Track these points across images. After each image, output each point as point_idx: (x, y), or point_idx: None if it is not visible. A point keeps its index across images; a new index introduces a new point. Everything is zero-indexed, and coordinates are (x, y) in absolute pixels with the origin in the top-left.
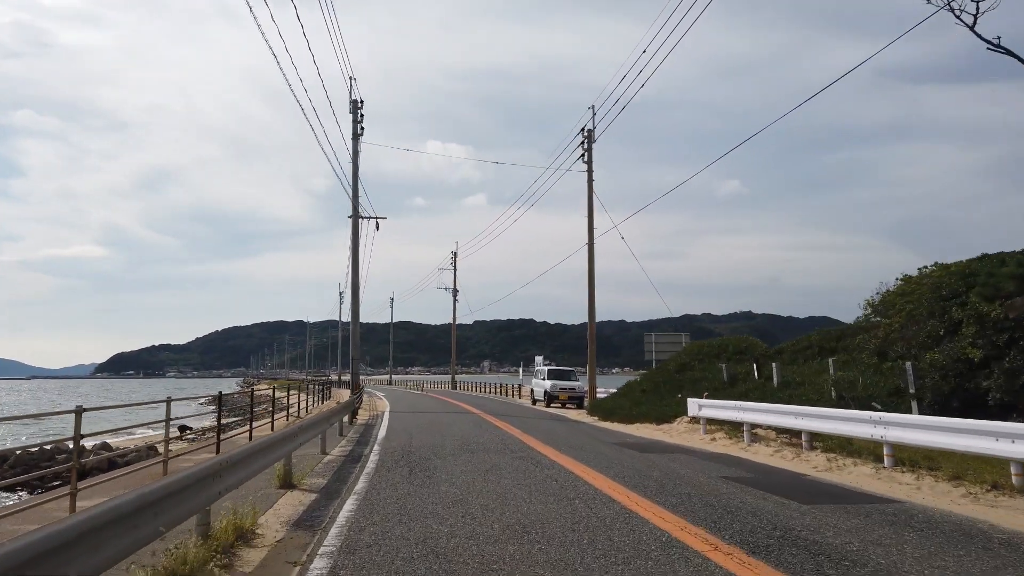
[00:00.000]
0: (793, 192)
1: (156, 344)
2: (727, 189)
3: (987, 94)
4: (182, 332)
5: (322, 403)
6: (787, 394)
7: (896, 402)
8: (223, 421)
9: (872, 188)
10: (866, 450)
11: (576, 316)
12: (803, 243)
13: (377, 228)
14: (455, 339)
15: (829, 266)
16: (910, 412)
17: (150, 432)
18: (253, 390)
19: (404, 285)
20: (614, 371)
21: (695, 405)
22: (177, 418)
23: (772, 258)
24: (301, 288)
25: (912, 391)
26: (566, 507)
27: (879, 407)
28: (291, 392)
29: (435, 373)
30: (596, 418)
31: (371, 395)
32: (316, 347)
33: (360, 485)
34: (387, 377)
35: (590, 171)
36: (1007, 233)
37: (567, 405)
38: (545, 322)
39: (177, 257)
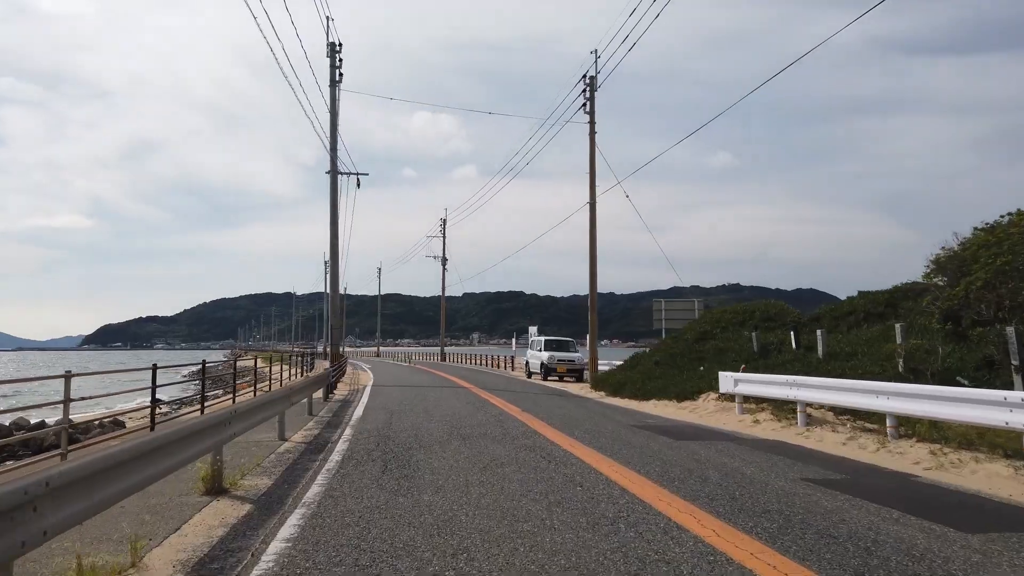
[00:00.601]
0: (783, 165)
1: (144, 316)
2: (718, 162)
3: (979, 67)
4: (170, 304)
5: (303, 375)
6: (836, 367)
7: (988, 376)
8: (184, 395)
9: (861, 161)
10: (982, 440)
11: (565, 288)
12: (791, 216)
13: (358, 185)
14: (444, 310)
15: (817, 239)
16: (1012, 388)
17: (124, 405)
18: (235, 360)
19: (394, 257)
20: (603, 343)
21: (728, 380)
22: (161, 386)
23: (760, 231)
24: (289, 259)
25: (1016, 363)
26: (608, 537)
27: (966, 382)
28: (274, 364)
29: (424, 345)
30: (602, 393)
31: (356, 367)
32: (304, 319)
33: (314, 491)
34: (375, 349)
35: (592, 122)
36: (996, 206)
37: (565, 378)
38: (535, 294)
39: (163, 228)
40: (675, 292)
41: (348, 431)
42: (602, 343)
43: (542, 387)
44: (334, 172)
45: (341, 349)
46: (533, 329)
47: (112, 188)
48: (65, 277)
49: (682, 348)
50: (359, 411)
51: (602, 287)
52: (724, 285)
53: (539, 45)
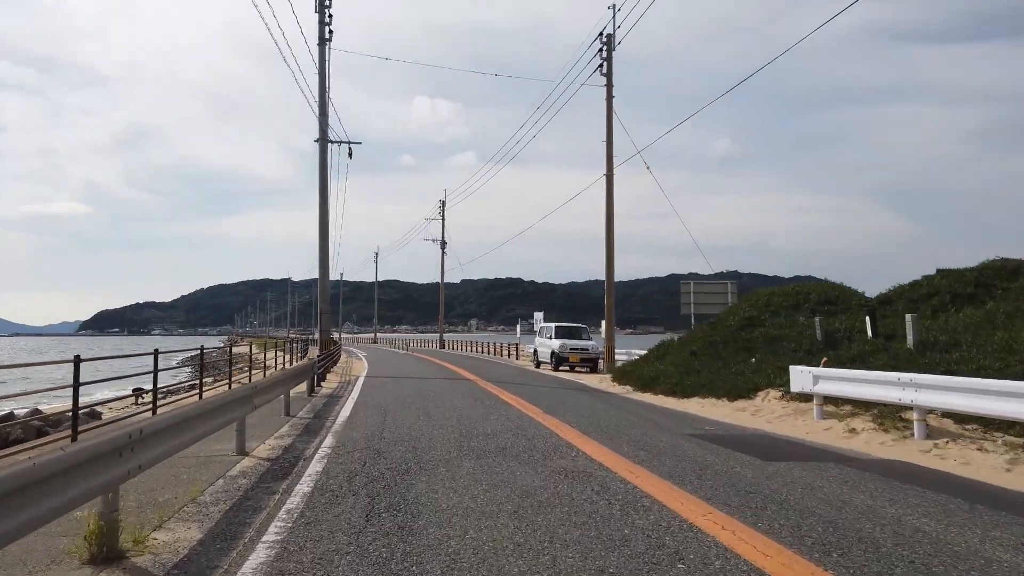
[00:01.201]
0: (782, 153)
1: (141, 302)
2: (717, 150)
3: (979, 56)
4: (167, 290)
5: (291, 363)
6: (937, 360)
7: None
8: (169, 385)
9: (859, 150)
10: None
11: (563, 275)
12: (790, 205)
13: (350, 155)
14: (443, 294)
15: (814, 228)
16: None
17: (106, 394)
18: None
19: (392, 244)
20: (597, 331)
21: (804, 376)
22: (149, 372)
23: (759, 220)
24: (287, 246)
25: None
26: None
27: None
28: (267, 351)
29: (422, 332)
30: (629, 388)
31: (350, 355)
32: (301, 304)
33: (257, 558)
34: (372, 336)
35: (609, 85)
36: (994, 196)
37: (578, 369)
38: (532, 281)
39: (161, 215)
40: (672, 280)
41: (329, 440)
42: (598, 331)
43: (556, 379)
44: (323, 140)
45: (338, 335)
46: (539, 315)
47: (109, 175)
48: (62, 263)
49: (724, 336)
50: (346, 410)
51: (596, 274)
52: (722, 272)
53: (537, 30)
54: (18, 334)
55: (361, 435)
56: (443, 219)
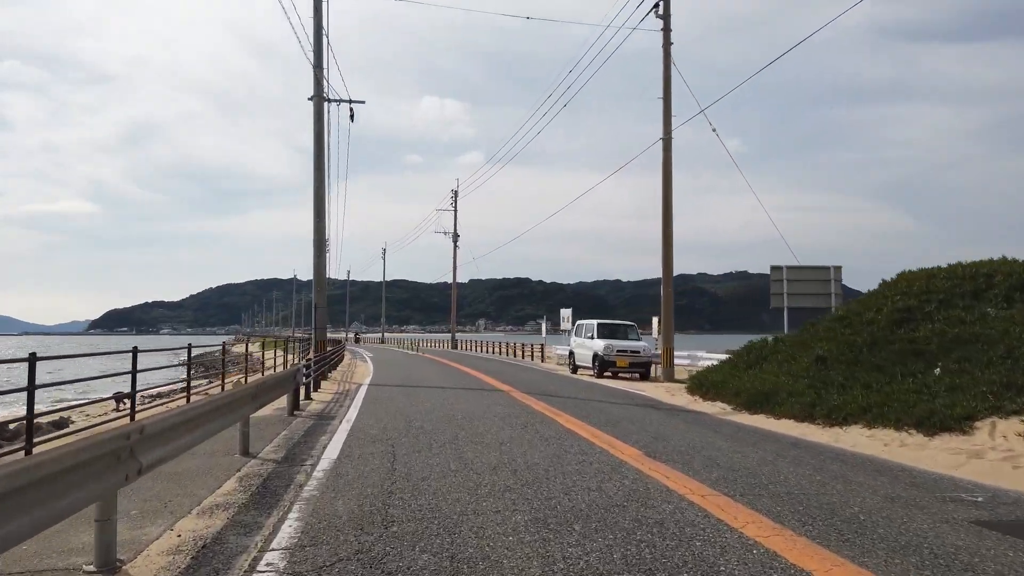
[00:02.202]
0: (790, 152)
1: (150, 301)
2: (728, 147)
3: (985, 54)
4: (176, 289)
5: (295, 362)
6: None
7: None
8: (157, 386)
9: (866, 149)
10: None
11: (571, 275)
12: (797, 203)
13: (352, 118)
14: (456, 290)
15: (822, 227)
16: None
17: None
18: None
19: (399, 244)
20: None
21: None
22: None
23: (766, 219)
24: (294, 245)
25: None
26: None
27: None
28: (267, 350)
29: (430, 332)
30: (723, 405)
31: (355, 356)
32: (308, 304)
33: None
34: (380, 335)
35: (667, 29)
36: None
37: (621, 374)
38: (541, 281)
39: (167, 214)
40: (681, 280)
41: (289, 526)
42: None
43: (609, 390)
44: (319, 97)
45: (345, 335)
46: (566, 312)
47: (112, 172)
48: (70, 262)
49: (870, 336)
50: (335, 445)
51: (607, 274)
52: (732, 273)
53: (543, 27)
54: (27, 333)
55: (349, 508)
56: (455, 210)
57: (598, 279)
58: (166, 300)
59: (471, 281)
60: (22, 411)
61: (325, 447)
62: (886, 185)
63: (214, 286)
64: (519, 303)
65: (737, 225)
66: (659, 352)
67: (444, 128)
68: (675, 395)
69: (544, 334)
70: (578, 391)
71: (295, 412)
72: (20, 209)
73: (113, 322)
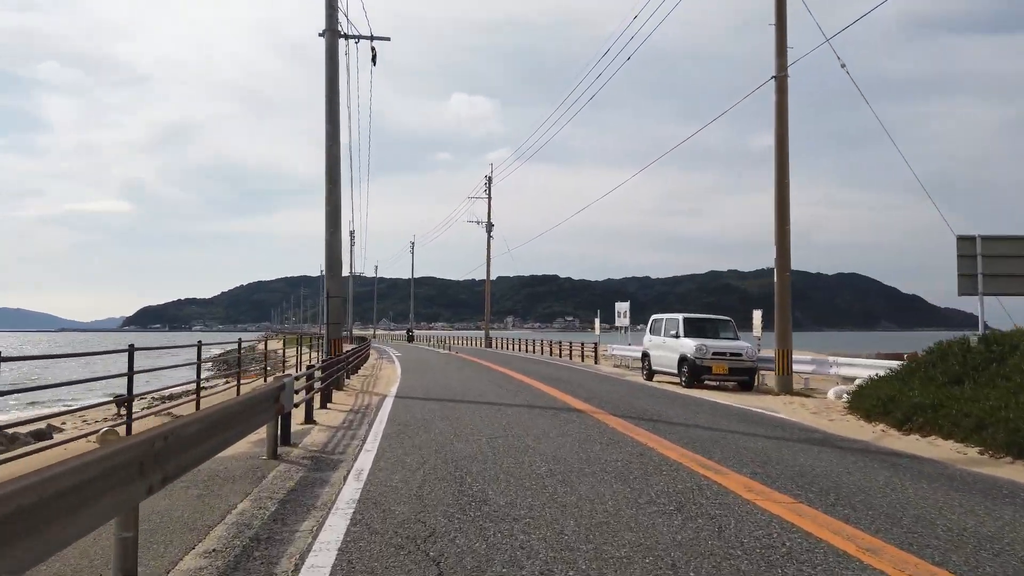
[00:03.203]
0: (822, 148)
1: (182, 298)
2: (757, 144)
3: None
4: (208, 286)
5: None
6: None
7: None
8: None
9: (901, 144)
10: None
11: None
12: (830, 199)
13: (374, 61)
14: (489, 284)
15: (858, 223)
16: None
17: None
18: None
19: (429, 238)
20: (638, 327)
21: None
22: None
23: (799, 214)
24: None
25: None
26: None
27: None
28: (289, 347)
29: (458, 329)
30: (957, 445)
31: (381, 355)
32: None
33: None
34: (407, 332)
35: None
36: None
37: (713, 384)
38: (569, 278)
39: (198, 213)
40: (711, 276)
41: None
42: (638, 327)
43: (721, 408)
44: (331, 32)
45: (372, 332)
46: (623, 306)
47: (147, 172)
48: (106, 260)
49: None
50: (325, 551)
51: (635, 271)
52: (763, 269)
53: (570, 27)
54: (64, 329)
55: None
56: (489, 197)
57: (626, 276)
58: (198, 297)
59: (499, 278)
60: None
61: (306, 552)
62: (924, 180)
63: (245, 283)
64: (547, 300)
65: (766, 221)
66: (763, 354)
67: (474, 125)
68: (821, 415)
69: (598, 331)
70: (682, 410)
71: (278, 452)
72: (58, 208)
73: (147, 319)
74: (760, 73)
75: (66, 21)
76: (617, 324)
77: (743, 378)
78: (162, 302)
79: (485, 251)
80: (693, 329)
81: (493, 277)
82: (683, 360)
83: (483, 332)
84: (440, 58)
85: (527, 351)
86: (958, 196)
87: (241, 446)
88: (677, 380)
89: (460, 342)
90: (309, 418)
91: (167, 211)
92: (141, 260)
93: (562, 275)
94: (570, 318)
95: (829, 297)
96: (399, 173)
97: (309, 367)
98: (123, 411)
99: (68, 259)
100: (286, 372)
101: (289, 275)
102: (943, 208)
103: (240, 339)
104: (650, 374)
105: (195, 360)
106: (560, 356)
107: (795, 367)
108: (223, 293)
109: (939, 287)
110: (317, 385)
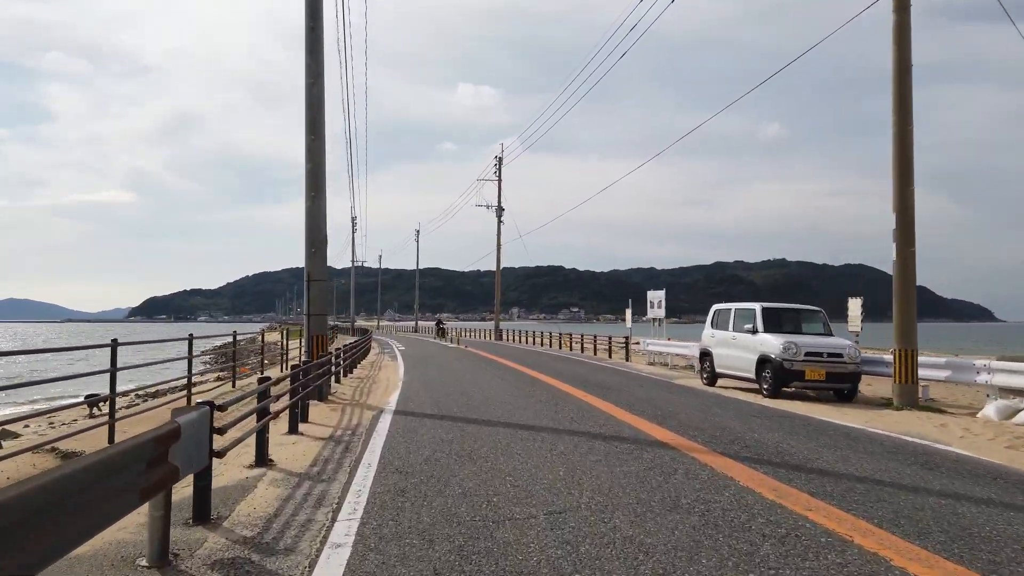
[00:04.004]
0: (830, 137)
1: (188, 289)
2: (765, 135)
3: None
4: (214, 277)
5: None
6: None
7: None
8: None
9: (922, 130)
10: None
11: (604, 263)
12: (838, 189)
13: None
14: (499, 271)
15: (865, 212)
16: None
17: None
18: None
19: (435, 227)
20: (644, 319)
21: None
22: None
23: (806, 205)
24: (330, 234)
25: None
26: None
27: None
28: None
29: (463, 320)
30: None
31: (383, 350)
32: (344, 293)
33: None
34: (413, 323)
35: None
36: None
37: (804, 392)
38: (574, 269)
39: (204, 203)
40: (718, 267)
41: None
42: (643, 319)
43: (856, 435)
44: None
45: (377, 323)
46: (657, 295)
47: (153, 163)
48: (113, 251)
49: None
50: None
51: (641, 262)
52: (769, 260)
53: (577, 15)
54: (70, 320)
55: None
56: (499, 179)
57: (631, 267)
58: (204, 288)
59: (504, 269)
60: None
61: None
62: (930, 170)
63: (251, 274)
64: (552, 291)
65: (773, 212)
66: (865, 351)
67: (480, 115)
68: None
69: (629, 323)
70: (806, 441)
71: (171, 555)
72: (65, 199)
73: (152, 309)
74: (767, 65)
75: (71, 11)
76: (650, 315)
77: (844, 386)
78: (168, 293)
79: (491, 240)
80: (773, 322)
81: (507, 259)
82: (763, 362)
83: (490, 324)
84: (446, 47)
85: (541, 345)
86: (971, 184)
87: (116, 532)
88: (749, 386)
89: (468, 334)
90: (262, 458)
91: (173, 201)
92: (147, 251)
93: (567, 266)
94: (575, 309)
95: (836, 288)
96: (403, 162)
97: (262, 380)
98: (96, 411)
99: (75, 250)
100: (195, 404)
101: (295, 266)
102: (952, 195)
103: (235, 332)
104: (712, 378)
105: (191, 354)
106: (583, 351)
107: (924, 371)
108: (229, 284)
109: (945, 278)
110: (279, 404)
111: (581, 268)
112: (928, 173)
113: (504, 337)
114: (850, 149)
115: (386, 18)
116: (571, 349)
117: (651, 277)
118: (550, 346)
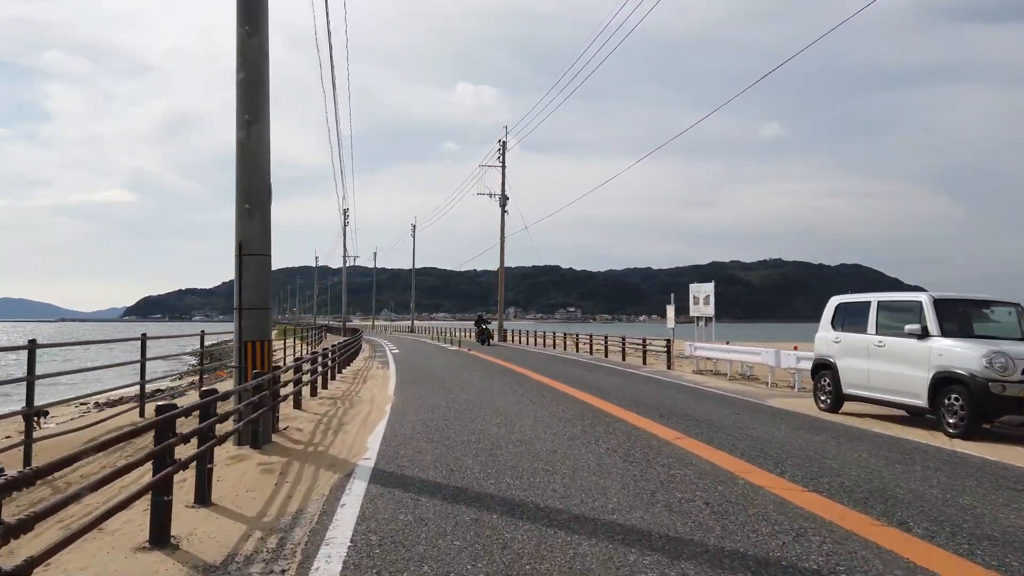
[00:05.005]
0: (828, 137)
1: (183, 288)
2: (763, 135)
3: None
4: (209, 276)
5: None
6: None
7: None
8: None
9: (909, 134)
10: None
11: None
12: (836, 189)
13: None
14: (503, 266)
15: (863, 213)
16: None
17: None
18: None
19: (433, 219)
20: (641, 319)
21: None
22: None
23: (804, 205)
24: (326, 233)
25: None
26: None
27: None
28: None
29: (459, 320)
30: None
31: (375, 353)
32: (338, 292)
33: None
34: (409, 323)
35: None
36: None
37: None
38: (571, 268)
39: (203, 202)
40: (715, 267)
41: None
42: (640, 318)
43: None
44: None
45: (371, 323)
46: (704, 288)
47: (153, 163)
48: (109, 250)
49: None
50: None
51: (637, 261)
52: (765, 260)
53: (577, 15)
54: (64, 319)
55: None
56: (503, 166)
57: (628, 267)
58: (199, 287)
59: (498, 269)
60: None
61: None
62: (931, 170)
63: None
64: (548, 291)
65: (770, 212)
66: None
67: (480, 115)
68: None
69: (671, 323)
70: None
71: None
72: (66, 199)
73: (147, 309)
74: (767, 65)
75: (71, 10)
76: (693, 314)
77: None
78: (163, 292)
79: (490, 237)
80: (954, 321)
81: (493, 268)
82: (945, 382)
83: (493, 324)
84: (446, 46)
85: (551, 347)
86: (969, 185)
87: None
88: (894, 412)
89: (465, 334)
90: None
91: (172, 201)
92: (146, 250)
93: (564, 266)
94: (572, 309)
95: (831, 288)
96: (403, 162)
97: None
98: (39, 423)
99: (74, 249)
100: None
101: (292, 265)
102: (952, 195)
103: (203, 331)
104: (836, 400)
105: (178, 352)
106: (592, 353)
107: None
108: (224, 283)
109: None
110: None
111: (578, 268)
112: (928, 173)
113: (507, 338)
114: (844, 150)
115: (386, 18)
116: (578, 351)
117: (648, 277)
118: (555, 347)
